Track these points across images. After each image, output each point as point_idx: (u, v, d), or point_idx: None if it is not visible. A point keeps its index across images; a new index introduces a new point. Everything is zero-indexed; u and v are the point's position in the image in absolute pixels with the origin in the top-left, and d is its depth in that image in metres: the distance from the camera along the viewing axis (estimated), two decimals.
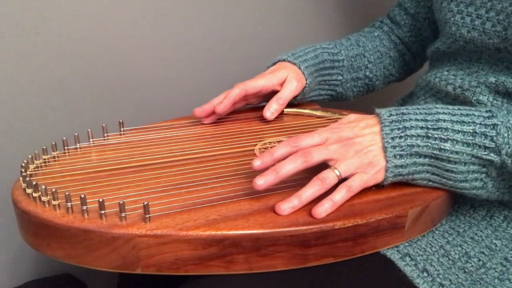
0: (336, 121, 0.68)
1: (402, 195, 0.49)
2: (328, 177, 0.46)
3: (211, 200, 0.46)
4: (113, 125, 0.61)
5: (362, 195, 0.48)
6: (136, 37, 0.80)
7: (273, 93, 0.68)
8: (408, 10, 0.78)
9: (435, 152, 0.47)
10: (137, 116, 0.83)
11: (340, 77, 0.75)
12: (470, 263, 0.49)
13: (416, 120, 0.48)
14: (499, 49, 0.56)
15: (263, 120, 0.67)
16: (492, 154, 0.46)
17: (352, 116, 0.52)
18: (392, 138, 0.47)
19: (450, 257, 0.49)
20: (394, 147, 0.47)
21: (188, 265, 0.42)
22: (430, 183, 0.49)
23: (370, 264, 0.48)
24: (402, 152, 0.47)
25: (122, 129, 0.61)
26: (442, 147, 0.46)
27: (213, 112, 0.64)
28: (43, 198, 0.44)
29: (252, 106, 0.73)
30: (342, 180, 0.47)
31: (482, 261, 0.49)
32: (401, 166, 0.48)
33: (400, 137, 0.47)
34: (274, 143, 0.59)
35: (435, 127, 0.47)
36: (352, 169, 0.47)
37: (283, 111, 0.71)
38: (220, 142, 0.59)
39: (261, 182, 0.45)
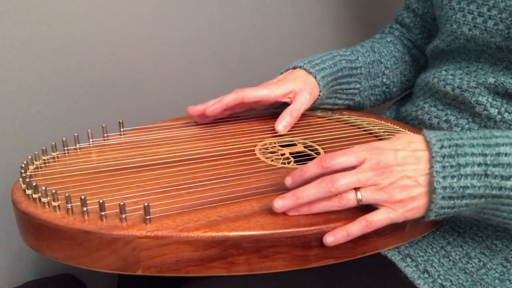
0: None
1: None
2: (348, 197, 0.43)
3: (211, 201, 0.45)
4: (113, 125, 0.61)
5: None
6: (136, 37, 0.80)
7: (276, 103, 0.65)
8: (416, 12, 0.76)
9: (493, 192, 0.41)
10: (137, 116, 0.83)
11: (358, 85, 0.71)
12: (471, 263, 0.49)
13: (473, 154, 0.41)
14: (501, 48, 0.56)
15: (264, 120, 0.66)
16: None
17: (403, 137, 0.46)
18: (444, 178, 0.41)
19: (451, 258, 0.49)
20: (444, 188, 0.41)
21: (189, 266, 0.42)
22: (476, 220, 0.45)
23: (371, 265, 0.48)
24: (453, 194, 0.41)
25: (122, 129, 0.61)
26: (503, 185, 0.41)
27: (204, 113, 0.61)
28: (43, 199, 0.44)
29: None
30: (362, 205, 0.44)
31: (483, 261, 0.49)
32: (448, 207, 0.42)
33: (453, 176, 0.41)
34: (275, 143, 0.59)
35: (495, 162, 0.41)
36: (377, 199, 0.43)
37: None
38: (221, 142, 0.59)
39: (279, 205, 0.43)
